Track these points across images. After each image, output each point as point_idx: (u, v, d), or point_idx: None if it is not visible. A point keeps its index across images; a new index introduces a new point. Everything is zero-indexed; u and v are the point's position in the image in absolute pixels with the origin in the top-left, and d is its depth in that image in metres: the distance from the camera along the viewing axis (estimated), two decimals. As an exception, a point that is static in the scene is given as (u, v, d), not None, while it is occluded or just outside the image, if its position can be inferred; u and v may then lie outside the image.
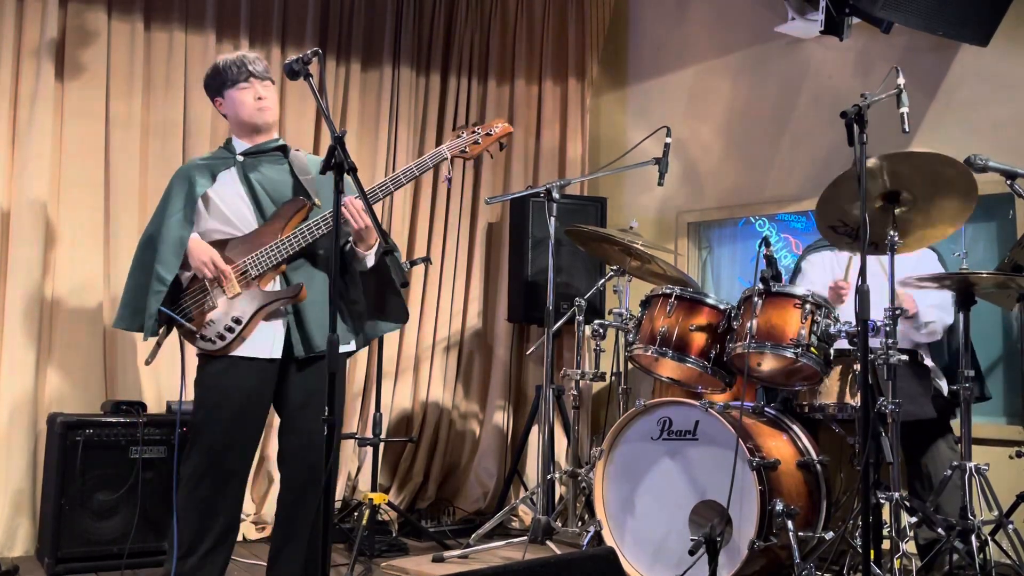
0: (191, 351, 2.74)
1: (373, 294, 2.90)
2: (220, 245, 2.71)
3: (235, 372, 2.65)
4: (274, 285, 2.71)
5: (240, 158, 2.80)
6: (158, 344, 2.72)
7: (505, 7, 5.05)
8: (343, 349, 2.75)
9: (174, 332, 2.74)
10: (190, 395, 2.79)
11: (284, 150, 2.86)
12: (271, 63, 4.24)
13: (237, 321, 2.64)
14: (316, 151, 4.45)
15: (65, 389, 3.77)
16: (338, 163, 2.28)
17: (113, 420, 3.43)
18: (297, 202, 2.75)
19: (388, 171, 4.68)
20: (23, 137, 3.76)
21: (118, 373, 3.88)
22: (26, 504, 3.61)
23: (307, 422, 2.70)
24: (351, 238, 2.75)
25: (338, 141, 2.28)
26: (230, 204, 2.75)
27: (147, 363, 2.76)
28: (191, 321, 2.68)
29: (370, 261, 2.77)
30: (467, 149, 2.82)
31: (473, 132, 2.83)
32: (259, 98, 2.78)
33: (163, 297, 2.64)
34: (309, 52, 2.44)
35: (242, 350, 2.66)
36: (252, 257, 2.67)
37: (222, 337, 2.64)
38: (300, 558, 2.71)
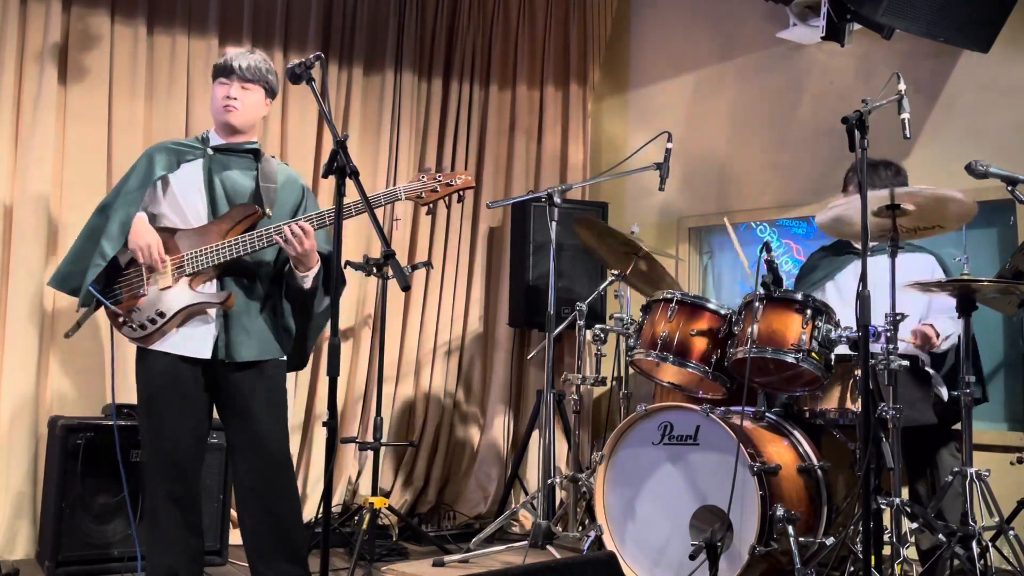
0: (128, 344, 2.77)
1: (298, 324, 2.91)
2: (168, 233, 2.73)
3: (171, 370, 2.68)
4: (209, 287, 2.72)
5: (210, 152, 2.81)
6: (78, 322, 2.77)
7: (507, 12, 5.06)
8: (268, 357, 2.76)
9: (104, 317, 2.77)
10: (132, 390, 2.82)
11: (256, 154, 2.87)
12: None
13: (160, 315, 2.66)
14: (318, 155, 4.46)
15: (66, 392, 3.77)
16: (340, 167, 2.29)
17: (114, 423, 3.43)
18: (247, 208, 2.75)
19: (389, 175, 4.69)
20: (26, 140, 3.76)
21: (119, 376, 3.87)
22: (27, 507, 3.60)
23: (251, 424, 2.72)
24: (290, 260, 2.76)
25: (340, 145, 2.28)
26: (186, 195, 2.77)
27: (66, 336, 2.79)
28: (119, 304, 2.70)
29: (308, 283, 2.77)
30: (423, 195, 2.76)
31: (434, 179, 2.77)
32: (228, 97, 2.78)
33: (100, 271, 2.67)
34: (311, 56, 2.45)
35: (177, 347, 2.68)
36: (191, 254, 2.69)
37: (143, 327, 2.66)
38: (279, 552, 2.72)
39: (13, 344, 3.66)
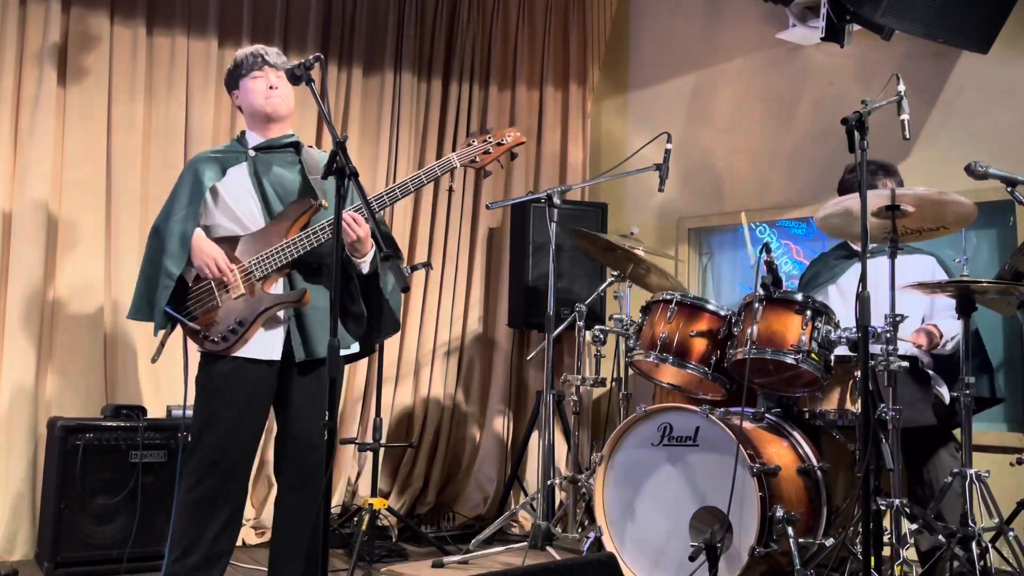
0: (191, 352, 2.74)
1: (371, 304, 2.87)
2: (228, 242, 2.70)
3: (238, 373, 2.65)
4: (278, 287, 2.70)
5: (252, 153, 2.78)
6: (162, 343, 2.72)
7: (507, 13, 5.06)
8: (345, 352, 2.75)
9: (178, 330, 2.73)
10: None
11: (297, 147, 2.84)
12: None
13: (240, 323, 2.63)
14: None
15: (65, 393, 3.76)
16: (340, 168, 2.28)
17: (113, 424, 3.43)
18: (304, 203, 2.73)
19: (389, 176, 4.69)
20: (25, 141, 3.76)
21: (118, 377, 3.88)
22: (26, 508, 3.60)
23: (306, 425, 2.69)
24: (345, 248, 2.73)
25: (340, 146, 2.28)
26: (239, 200, 2.74)
27: (153, 361, 2.75)
28: (195, 320, 2.67)
29: (365, 268, 2.76)
30: (477, 159, 2.75)
31: (485, 141, 2.76)
32: (271, 87, 2.76)
33: (170, 292, 2.64)
34: (311, 57, 2.45)
35: (243, 351, 2.65)
36: (257, 258, 2.66)
37: (226, 339, 2.63)
38: (300, 562, 2.70)
39: (12, 345, 3.66)
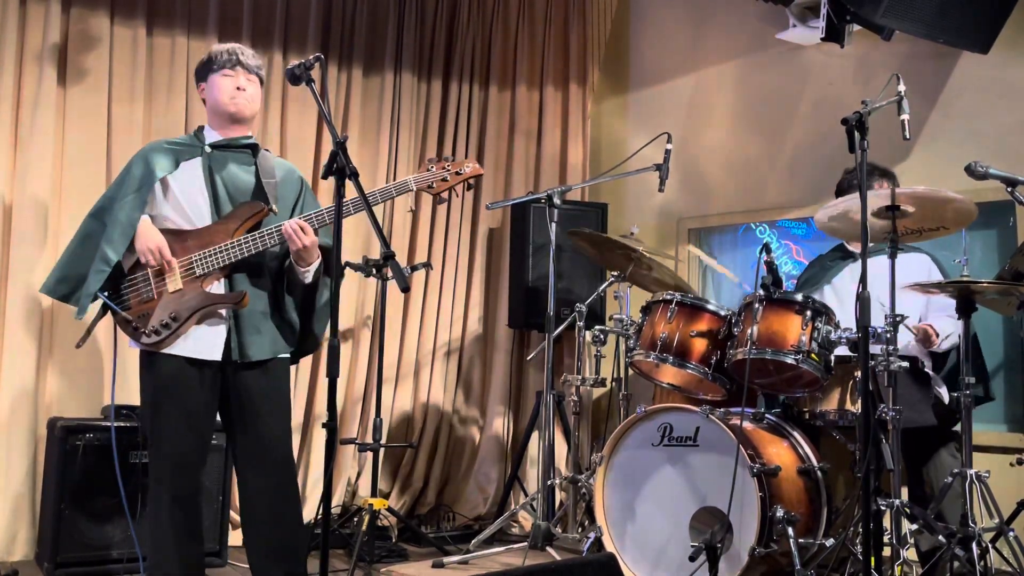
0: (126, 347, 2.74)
1: (307, 315, 2.89)
2: (171, 235, 2.69)
3: (185, 372, 2.65)
4: (217, 287, 2.69)
5: (208, 149, 2.78)
6: (88, 330, 2.71)
7: (507, 13, 5.06)
8: (279, 355, 2.77)
9: (107, 321, 2.71)
10: (131, 391, 2.77)
11: (254, 149, 2.84)
12: (273, 69, 4.25)
13: (174, 318, 2.62)
14: (318, 157, 4.46)
15: (65, 393, 3.76)
16: (340, 168, 2.29)
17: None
18: (254, 205, 2.73)
19: (389, 176, 4.68)
20: (25, 141, 3.76)
21: (118, 377, 3.87)
22: (26, 508, 3.60)
23: (255, 426, 2.70)
24: (291, 255, 2.73)
25: (340, 147, 2.28)
26: (188, 195, 2.73)
27: (77, 346, 2.74)
28: (127, 310, 2.65)
29: (308, 277, 2.77)
30: (434, 184, 2.78)
31: (443, 168, 2.78)
32: (238, 88, 2.76)
33: (105, 278, 2.62)
34: (311, 58, 2.45)
35: (187, 350, 2.65)
36: (200, 255, 2.66)
37: (157, 332, 2.62)
38: (280, 554, 2.71)
39: (12, 345, 3.66)
